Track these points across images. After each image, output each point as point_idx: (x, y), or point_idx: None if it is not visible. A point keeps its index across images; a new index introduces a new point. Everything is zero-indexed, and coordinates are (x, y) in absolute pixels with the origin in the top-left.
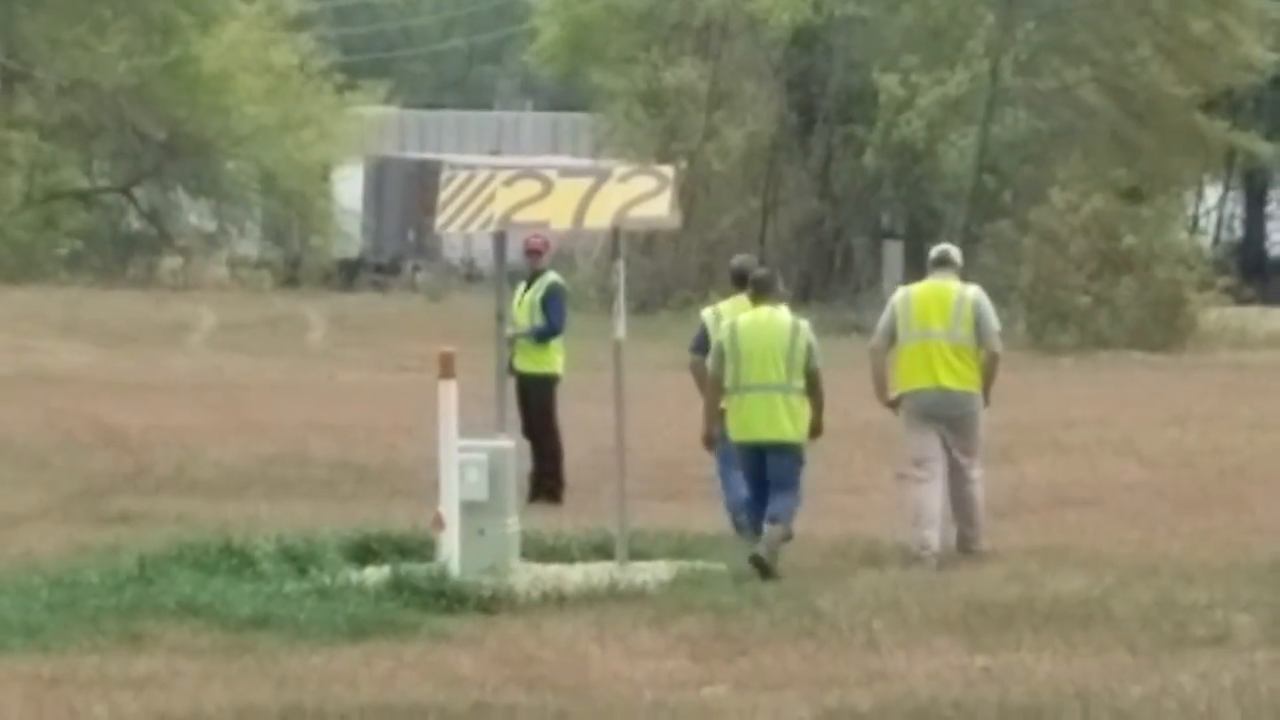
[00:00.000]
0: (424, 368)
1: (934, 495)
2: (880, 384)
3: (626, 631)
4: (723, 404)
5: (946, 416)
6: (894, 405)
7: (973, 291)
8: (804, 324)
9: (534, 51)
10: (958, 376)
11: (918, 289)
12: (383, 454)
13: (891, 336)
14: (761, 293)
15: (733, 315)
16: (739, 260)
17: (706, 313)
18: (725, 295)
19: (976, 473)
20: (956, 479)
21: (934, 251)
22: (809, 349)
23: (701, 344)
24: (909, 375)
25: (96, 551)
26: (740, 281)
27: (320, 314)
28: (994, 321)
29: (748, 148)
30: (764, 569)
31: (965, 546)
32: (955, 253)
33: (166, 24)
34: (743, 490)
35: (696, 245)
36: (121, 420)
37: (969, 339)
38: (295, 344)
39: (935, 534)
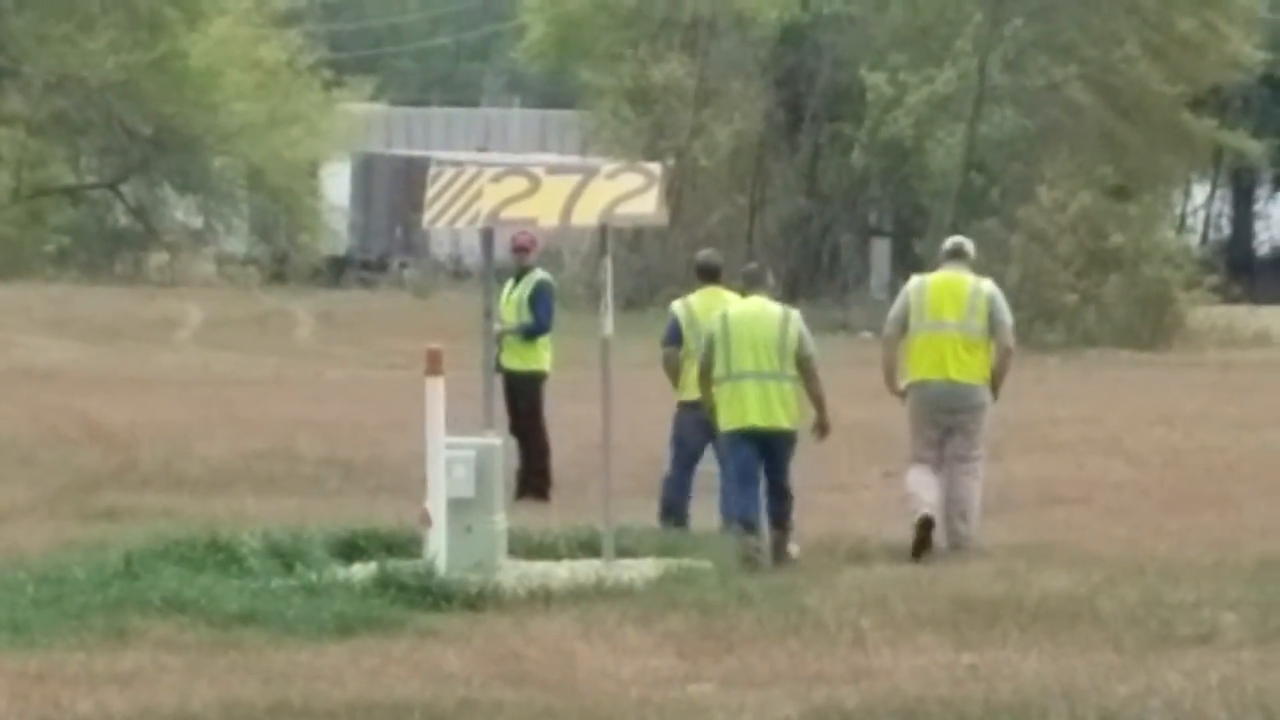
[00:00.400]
0: (411, 364)
1: (932, 477)
2: (890, 373)
3: (613, 629)
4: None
5: (953, 409)
6: (903, 395)
7: (987, 285)
8: (794, 313)
9: (521, 48)
10: (966, 370)
11: (933, 279)
12: (370, 450)
13: (904, 325)
14: (752, 284)
15: (702, 308)
16: (704, 255)
17: (677, 305)
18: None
19: (980, 466)
20: (959, 469)
21: (948, 243)
22: (800, 337)
23: (675, 336)
24: (919, 366)
25: (83, 547)
26: (705, 275)
27: (308, 310)
28: (1007, 316)
29: (735, 145)
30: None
31: (956, 542)
32: (969, 245)
33: (154, 19)
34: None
35: (684, 242)
36: (108, 416)
37: (982, 332)
38: (282, 341)
39: (933, 498)
